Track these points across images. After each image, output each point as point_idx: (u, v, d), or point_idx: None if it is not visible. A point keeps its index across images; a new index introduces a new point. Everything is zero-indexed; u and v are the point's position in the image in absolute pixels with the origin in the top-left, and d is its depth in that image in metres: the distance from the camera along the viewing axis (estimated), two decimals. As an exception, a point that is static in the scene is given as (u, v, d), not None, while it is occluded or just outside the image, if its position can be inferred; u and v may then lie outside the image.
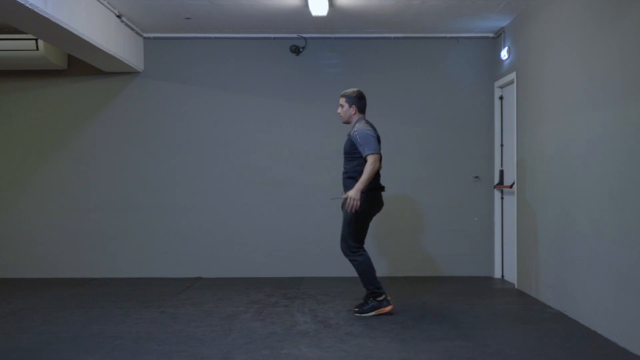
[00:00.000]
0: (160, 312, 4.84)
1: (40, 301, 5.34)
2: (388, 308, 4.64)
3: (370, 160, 4.48)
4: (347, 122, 4.80)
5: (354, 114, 4.74)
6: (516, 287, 5.76)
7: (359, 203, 4.46)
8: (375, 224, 6.46)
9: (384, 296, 4.66)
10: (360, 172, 4.53)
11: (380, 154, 4.61)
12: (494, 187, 6.46)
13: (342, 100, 4.74)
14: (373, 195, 4.65)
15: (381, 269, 6.43)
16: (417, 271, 6.51)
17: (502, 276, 6.36)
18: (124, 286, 6.00)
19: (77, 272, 6.52)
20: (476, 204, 6.52)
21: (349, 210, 4.51)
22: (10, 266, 6.55)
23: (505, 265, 6.32)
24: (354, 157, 4.63)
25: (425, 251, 6.53)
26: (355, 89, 4.78)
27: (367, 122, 4.72)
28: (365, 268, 4.64)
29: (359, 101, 4.74)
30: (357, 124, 4.68)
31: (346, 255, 4.72)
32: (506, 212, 6.31)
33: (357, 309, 4.70)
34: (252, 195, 6.55)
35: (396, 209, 6.51)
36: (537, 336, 4.08)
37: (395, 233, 6.52)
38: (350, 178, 4.64)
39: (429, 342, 3.93)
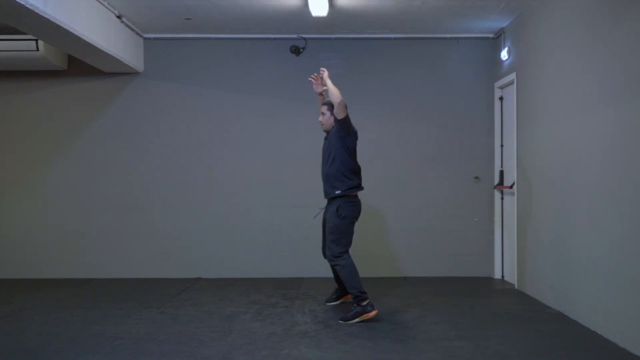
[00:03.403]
0: (160, 313, 4.84)
1: (40, 301, 5.34)
2: (373, 313, 4.51)
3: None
4: (327, 130, 4.85)
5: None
6: (516, 287, 5.76)
7: (324, 79, 4.64)
8: (375, 224, 6.49)
9: (367, 300, 4.54)
10: (343, 174, 4.62)
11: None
12: (494, 187, 6.46)
13: (324, 109, 4.81)
14: (357, 201, 4.71)
15: (381, 269, 6.44)
16: (417, 271, 6.51)
17: (502, 276, 6.36)
18: (124, 286, 6.00)
19: (77, 272, 6.52)
20: (476, 204, 6.52)
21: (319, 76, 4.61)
22: (10, 266, 6.55)
23: (505, 265, 6.31)
24: (335, 159, 4.66)
25: (425, 251, 6.52)
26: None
27: None
28: (349, 271, 4.59)
29: None
30: None
31: (330, 260, 4.71)
32: (506, 212, 6.31)
33: (341, 318, 4.57)
34: (252, 195, 6.55)
35: (396, 209, 6.52)
36: (537, 336, 4.09)
37: (395, 233, 6.52)
38: (332, 180, 4.67)
39: (429, 342, 3.94)
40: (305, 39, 6.56)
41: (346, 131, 4.64)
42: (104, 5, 5.42)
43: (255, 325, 4.42)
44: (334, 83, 4.67)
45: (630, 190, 3.73)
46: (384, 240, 6.53)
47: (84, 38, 5.05)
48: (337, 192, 4.64)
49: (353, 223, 4.70)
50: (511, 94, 5.99)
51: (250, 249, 6.53)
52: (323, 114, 4.82)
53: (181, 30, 6.41)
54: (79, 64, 6.44)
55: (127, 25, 6.02)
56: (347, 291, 4.89)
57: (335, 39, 6.57)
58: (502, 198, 6.40)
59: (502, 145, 6.39)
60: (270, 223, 6.54)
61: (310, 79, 4.83)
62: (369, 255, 6.33)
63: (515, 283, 5.79)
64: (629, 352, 3.69)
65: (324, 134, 4.81)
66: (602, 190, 4.08)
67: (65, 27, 4.68)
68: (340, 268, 4.62)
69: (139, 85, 6.60)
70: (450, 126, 6.55)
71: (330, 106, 4.75)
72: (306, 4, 5.34)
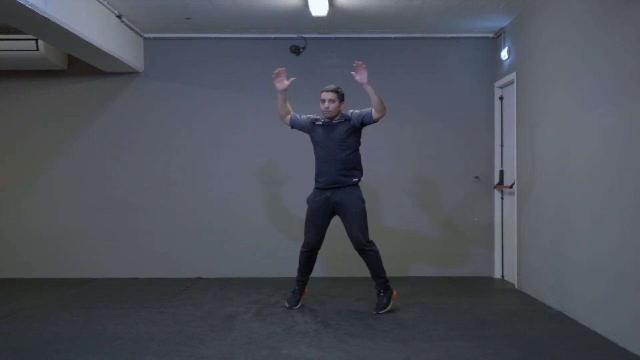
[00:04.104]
0: (160, 313, 4.84)
1: (40, 301, 5.34)
2: (395, 292, 4.91)
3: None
4: (332, 118, 4.94)
5: (342, 109, 4.97)
6: (516, 287, 5.76)
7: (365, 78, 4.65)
8: (375, 224, 6.47)
9: (389, 282, 4.88)
10: (359, 162, 4.88)
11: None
12: (494, 187, 6.46)
13: (334, 96, 4.87)
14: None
15: (381, 269, 6.44)
16: (417, 271, 6.51)
17: (502, 276, 6.36)
18: (124, 286, 6.00)
19: (77, 272, 6.51)
20: (476, 204, 6.52)
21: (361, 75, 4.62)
22: (10, 266, 6.55)
23: (505, 265, 6.31)
24: (350, 144, 4.83)
25: (426, 251, 6.52)
26: (337, 86, 4.95)
27: None
28: (379, 257, 4.85)
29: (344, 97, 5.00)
30: (346, 112, 4.93)
31: (363, 246, 4.80)
32: (506, 212, 6.31)
33: (376, 310, 4.77)
34: (252, 195, 6.54)
35: (396, 209, 6.52)
36: (537, 336, 4.09)
37: (395, 233, 6.52)
38: (349, 169, 4.82)
39: (429, 342, 3.94)
40: (305, 38, 6.56)
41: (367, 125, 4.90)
42: (104, 5, 5.42)
43: (255, 325, 4.42)
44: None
45: (630, 190, 3.73)
46: (384, 240, 6.47)
47: (84, 38, 5.05)
48: (354, 179, 4.86)
49: None
50: (511, 94, 5.99)
51: (250, 249, 6.52)
52: (332, 100, 4.86)
53: (181, 30, 6.41)
54: (79, 64, 6.44)
55: (127, 25, 6.02)
56: (304, 287, 4.98)
57: (335, 39, 6.57)
58: (502, 198, 6.40)
59: (502, 145, 6.39)
60: (270, 223, 6.54)
61: (355, 69, 4.77)
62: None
63: (515, 283, 5.79)
64: (629, 352, 3.69)
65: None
66: (602, 190, 4.08)
67: (65, 27, 4.68)
68: (374, 254, 4.82)
69: (139, 85, 6.60)
70: (450, 126, 6.55)
71: (340, 95, 4.89)
72: (306, 4, 5.34)
